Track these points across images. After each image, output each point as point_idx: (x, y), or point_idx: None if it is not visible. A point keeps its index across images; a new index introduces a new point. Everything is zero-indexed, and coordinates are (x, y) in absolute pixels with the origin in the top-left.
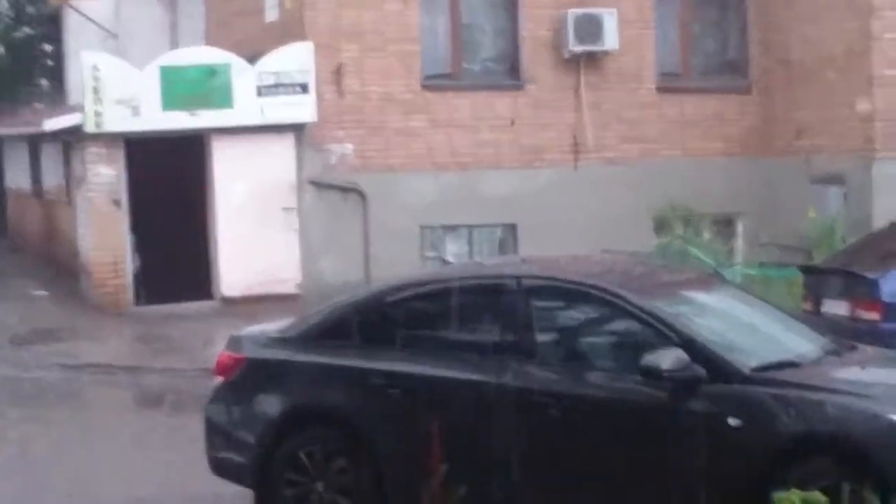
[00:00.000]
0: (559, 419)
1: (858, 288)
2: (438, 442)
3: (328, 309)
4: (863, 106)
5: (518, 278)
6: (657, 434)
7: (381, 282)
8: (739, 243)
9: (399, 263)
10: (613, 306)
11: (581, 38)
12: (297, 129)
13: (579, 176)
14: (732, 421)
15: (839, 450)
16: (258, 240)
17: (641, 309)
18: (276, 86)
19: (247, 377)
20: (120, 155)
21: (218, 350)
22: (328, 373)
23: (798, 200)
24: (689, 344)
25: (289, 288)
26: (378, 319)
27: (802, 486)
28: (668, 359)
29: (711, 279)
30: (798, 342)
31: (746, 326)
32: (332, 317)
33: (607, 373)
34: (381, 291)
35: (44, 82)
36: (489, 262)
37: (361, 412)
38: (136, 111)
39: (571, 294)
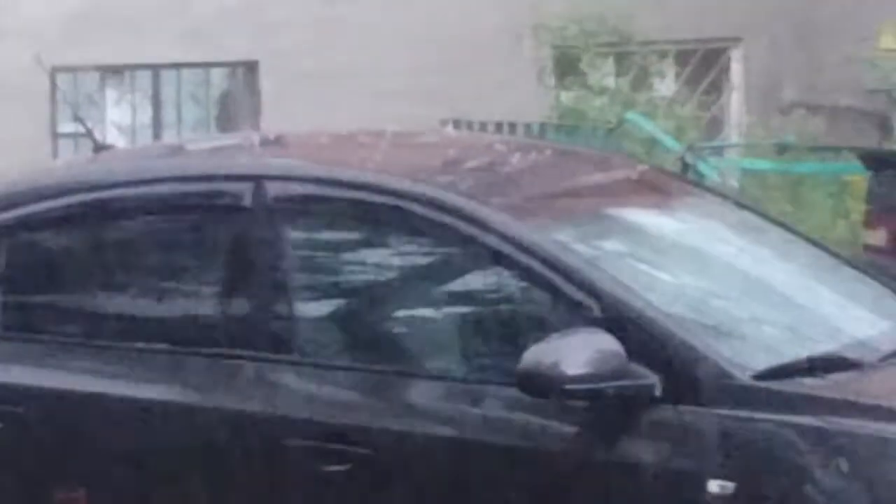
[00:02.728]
0: (347, 485)
1: None
2: None
3: None
4: None
5: (257, 180)
6: None
7: None
8: (734, 103)
9: (1, 148)
10: (461, 240)
11: None
12: None
13: None
14: (716, 485)
15: None
16: None
17: (520, 244)
18: None
19: None
20: None
21: None
22: None
23: (858, 10)
24: (626, 321)
25: None
26: None
27: None
28: (578, 354)
29: (672, 181)
30: (858, 316)
31: (746, 281)
32: None
33: (450, 384)
34: None
35: None
36: (195, 145)
37: None
38: None
39: (372, 214)
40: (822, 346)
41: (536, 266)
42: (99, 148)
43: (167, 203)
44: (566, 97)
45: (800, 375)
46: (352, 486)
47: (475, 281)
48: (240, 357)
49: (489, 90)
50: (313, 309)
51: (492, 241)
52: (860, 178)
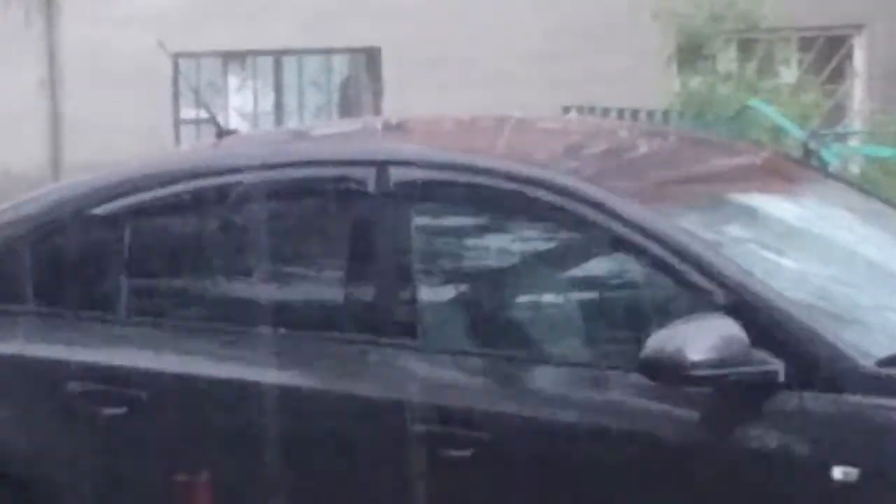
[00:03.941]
0: (470, 470)
1: None
2: None
3: None
4: None
5: (380, 166)
6: (680, 501)
7: (86, 177)
8: (857, 91)
9: (124, 134)
10: (585, 226)
11: None
12: None
13: None
14: (840, 471)
15: None
16: None
17: (644, 230)
18: None
19: None
20: None
21: None
22: None
23: None
24: (749, 307)
25: None
26: (77, 257)
27: None
28: (702, 340)
29: (796, 167)
30: None
31: (869, 268)
32: None
33: (574, 371)
34: (84, 197)
35: None
36: (319, 130)
37: (46, 457)
38: None
39: (495, 200)
40: None
41: (660, 252)
42: (222, 133)
43: (290, 188)
44: (689, 85)
45: None
46: (475, 471)
47: (598, 267)
48: (363, 342)
49: (612, 76)
50: (436, 294)
51: (616, 226)
52: None
